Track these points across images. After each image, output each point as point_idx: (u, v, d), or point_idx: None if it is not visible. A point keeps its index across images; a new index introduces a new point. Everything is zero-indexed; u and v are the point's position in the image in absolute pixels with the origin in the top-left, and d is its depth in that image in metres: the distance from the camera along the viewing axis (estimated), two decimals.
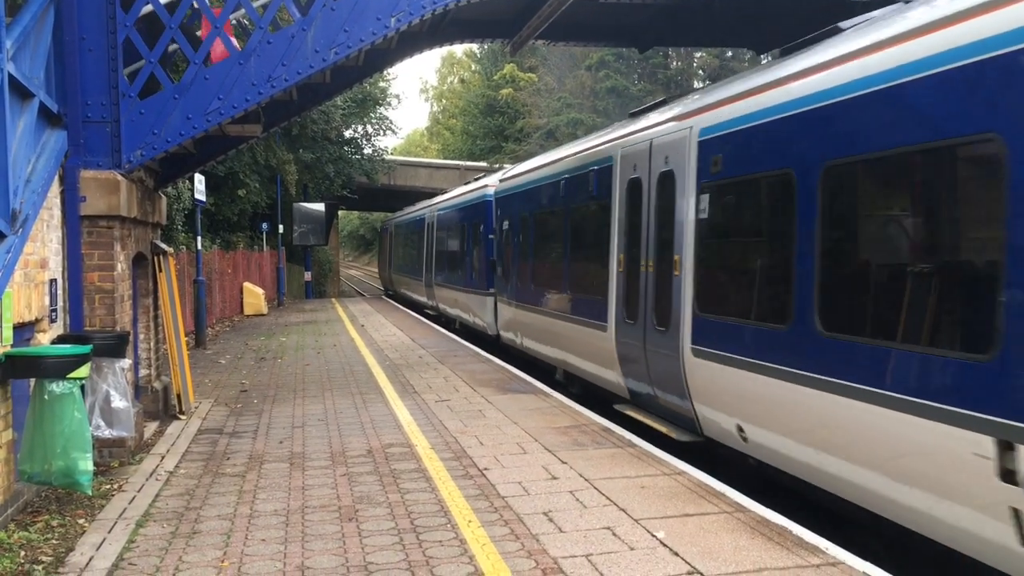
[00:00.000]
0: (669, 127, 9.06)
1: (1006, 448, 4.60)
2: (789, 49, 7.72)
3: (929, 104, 5.37)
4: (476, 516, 6.21)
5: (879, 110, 5.78)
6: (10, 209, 6.26)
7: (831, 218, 6.32)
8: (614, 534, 5.81)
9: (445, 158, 63.46)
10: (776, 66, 7.55)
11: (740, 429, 7.45)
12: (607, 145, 10.89)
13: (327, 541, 5.76)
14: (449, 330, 21.15)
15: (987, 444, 4.69)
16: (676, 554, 5.43)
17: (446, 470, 7.50)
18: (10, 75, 6.40)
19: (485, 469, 7.51)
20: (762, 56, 17.64)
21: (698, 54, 38.42)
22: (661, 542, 5.64)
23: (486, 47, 55.89)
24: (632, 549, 5.53)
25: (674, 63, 40.91)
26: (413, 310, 28.35)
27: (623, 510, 6.32)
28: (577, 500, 6.58)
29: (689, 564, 5.26)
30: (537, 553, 5.47)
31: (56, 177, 7.78)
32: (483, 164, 46.04)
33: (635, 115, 10.98)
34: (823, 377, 6.16)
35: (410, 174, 48.11)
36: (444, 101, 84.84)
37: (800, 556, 5.39)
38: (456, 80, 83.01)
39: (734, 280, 7.98)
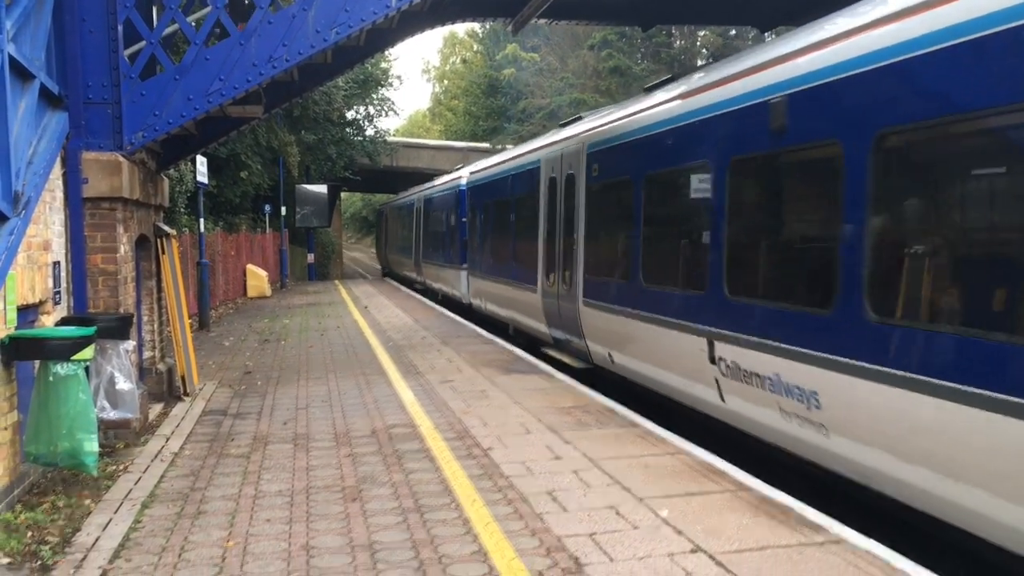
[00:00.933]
0: (572, 141, 12.23)
1: (711, 344, 7.86)
2: (651, 88, 10.57)
3: (722, 130, 7.86)
4: (480, 496, 6.23)
5: (677, 139, 8.83)
6: (12, 191, 6.25)
7: (649, 211, 9.66)
8: (618, 513, 5.83)
9: (447, 139, 63.30)
10: (636, 100, 10.69)
11: (610, 356, 10.69)
12: (537, 152, 14.21)
13: (331, 521, 5.78)
14: (434, 301, 23.89)
15: (703, 342, 7.96)
16: (680, 532, 5.45)
17: (449, 450, 7.52)
18: (10, 56, 6.37)
19: (489, 449, 7.53)
20: (766, 34, 17.52)
21: (702, 32, 38.20)
22: (665, 521, 5.66)
23: (488, 27, 55.63)
24: (636, 528, 5.55)
25: (678, 42, 40.71)
26: (405, 285, 30.95)
27: (627, 489, 6.34)
28: (580, 480, 6.60)
29: (693, 542, 5.28)
30: (541, 532, 5.49)
31: (58, 159, 7.77)
32: (486, 145, 45.93)
33: (563, 126, 14.05)
34: (647, 313, 9.41)
35: (412, 155, 48.02)
36: (446, 82, 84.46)
37: (803, 534, 5.40)
38: (458, 60, 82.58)
39: (604, 251, 11.11)
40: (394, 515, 5.87)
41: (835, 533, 5.42)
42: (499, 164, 17.66)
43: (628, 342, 10.10)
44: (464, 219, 20.96)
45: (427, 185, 29.77)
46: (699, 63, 40.66)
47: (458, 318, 18.94)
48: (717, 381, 7.85)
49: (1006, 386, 4.68)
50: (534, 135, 24.63)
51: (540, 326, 13.69)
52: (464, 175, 21.86)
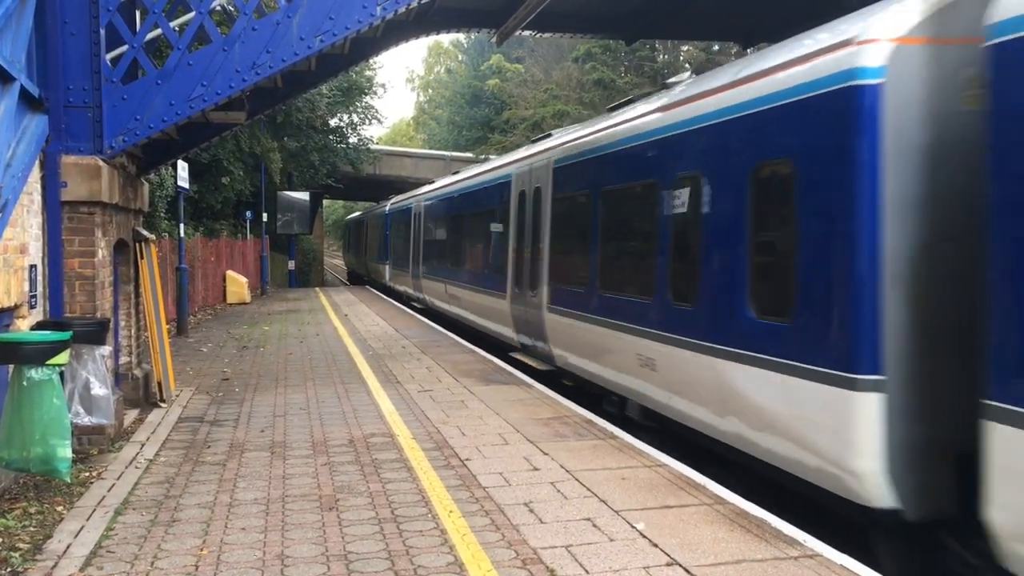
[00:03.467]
0: (540, 158, 12.92)
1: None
2: (613, 107, 11.23)
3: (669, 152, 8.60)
4: (457, 506, 6.22)
5: (622, 160, 9.74)
6: None
7: (607, 222, 10.27)
8: (594, 525, 5.83)
9: (431, 148, 63.29)
10: (598, 120, 11.51)
11: (571, 359, 11.26)
12: (507, 167, 14.96)
13: (307, 530, 5.75)
14: (400, 302, 26.70)
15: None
16: (655, 545, 5.46)
17: (427, 460, 7.50)
18: None
19: (467, 459, 7.52)
20: (748, 49, 17.65)
21: (685, 47, 38.43)
22: (641, 533, 5.67)
23: (473, 37, 55.72)
24: (612, 540, 5.55)
25: (661, 56, 40.92)
26: (374, 287, 34.02)
27: (604, 501, 6.34)
28: (558, 491, 6.60)
29: (668, 555, 5.29)
30: (517, 544, 5.49)
31: (37, 162, 7.71)
32: (469, 155, 45.96)
33: (534, 141, 14.85)
34: (599, 317, 10.06)
35: (395, 164, 48.02)
36: (430, 91, 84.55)
37: (778, 548, 5.42)
38: (443, 70, 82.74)
39: (565, 260, 11.74)
40: (370, 525, 5.85)
41: (810, 547, 5.44)
42: (457, 182, 19.82)
43: (586, 345, 10.66)
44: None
45: (393, 200, 33.03)
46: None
47: (438, 327, 18.93)
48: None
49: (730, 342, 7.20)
50: (517, 146, 24.84)
51: (506, 331, 14.44)
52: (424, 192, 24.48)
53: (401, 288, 28.22)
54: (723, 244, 7.47)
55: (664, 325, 8.40)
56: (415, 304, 25.13)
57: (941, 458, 5.52)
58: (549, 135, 14.17)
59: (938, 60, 5.67)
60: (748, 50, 17.27)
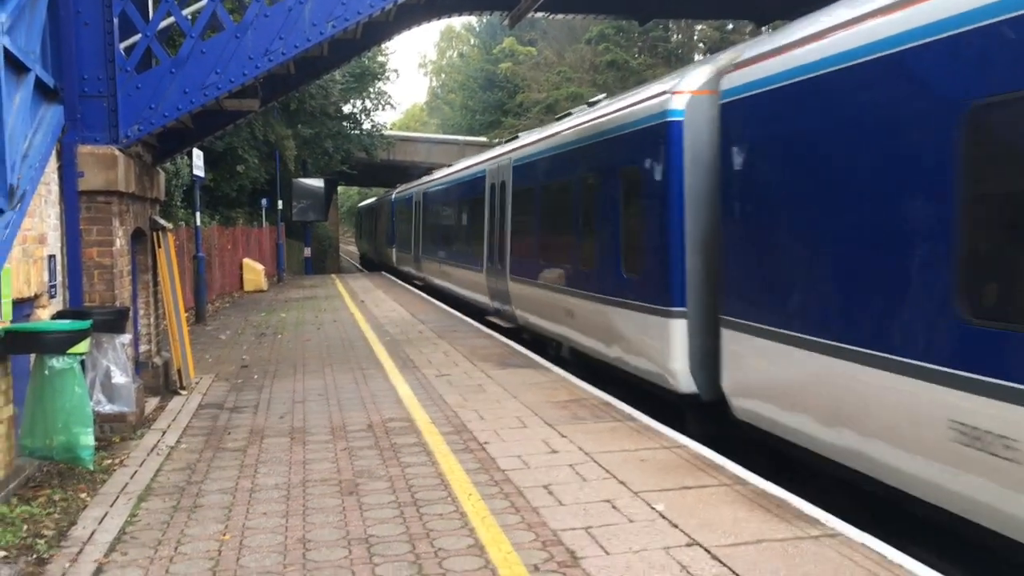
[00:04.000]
0: (504, 158, 15.98)
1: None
2: (559, 117, 14.64)
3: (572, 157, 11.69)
4: (476, 489, 6.24)
5: (551, 163, 12.73)
6: (7, 184, 6.23)
7: (544, 210, 13.28)
8: (614, 507, 5.84)
9: (444, 133, 63.21)
10: (543, 128, 14.92)
11: (527, 317, 14.24)
12: (483, 164, 18.17)
13: (328, 514, 5.78)
14: (405, 282, 29.91)
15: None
16: (675, 526, 5.46)
17: (446, 444, 7.53)
18: (5, 49, 6.35)
19: (485, 443, 7.53)
20: (763, 28, 17.49)
21: (699, 27, 38.10)
22: (660, 514, 5.67)
23: (485, 20, 55.53)
24: (631, 521, 5.55)
25: (675, 36, 40.61)
26: (389, 273, 36.18)
27: (622, 483, 6.34)
28: (577, 473, 6.60)
29: (688, 536, 5.29)
30: (537, 526, 5.50)
31: (53, 152, 7.75)
32: (482, 139, 45.85)
33: (504, 142, 18.35)
34: (541, 282, 13.12)
35: (409, 149, 47.97)
36: (443, 75, 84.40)
37: (799, 527, 5.41)
38: (455, 54, 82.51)
39: (521, 240, 14.47)
40: (391, 509, 5.88)
41: (830, 527, 5.43)
42: (447, 176, 23.55)
43: (535, 304, 13.68)
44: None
45: (396, 189, 37.52)
46: (696, 58, 40.59)
47: (455, 312, 18.95)
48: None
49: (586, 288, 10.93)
50: (531, 129, 24.96)
51: (484, 299, 17.60)
52: (422, 183, 27.98)
53: (405, 268, 32.18)
54: (606, 225, 10.52)
55: (578, 285, 11.45)
56: (416, 282, 28.97)
57: (717, 358, 8.03)
58: (516, 137, 17.66)
59: (714, 106, 8.21)
60: (763, 28, 17.12)
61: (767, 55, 7.28)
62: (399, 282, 29.99)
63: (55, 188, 7.86)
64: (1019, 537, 4.72)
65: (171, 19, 9.09)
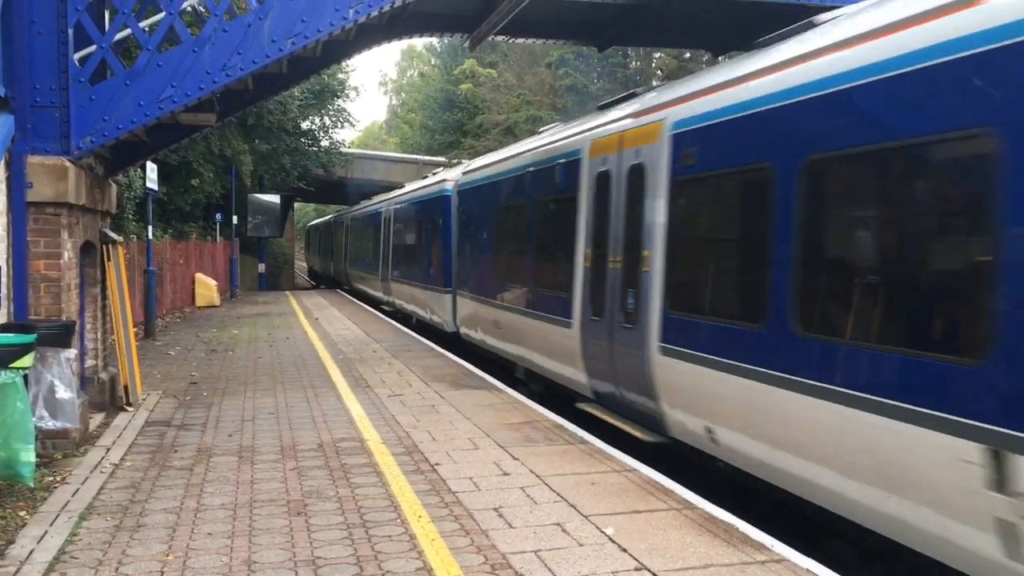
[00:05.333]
0: (448, 184, 18.47)
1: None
2: (396, 192, 25.91)
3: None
4: (426, 511, 6.21)
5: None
6: None
7: (398, 237, 23.58)
8: (563, 530, 5.84)
9: (403, 152, 63.13)
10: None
11: (397, 300, 22.92)
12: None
13: (275, 535, 5.71)
14: (346, 291, 34.72)
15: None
16: (624, 550, 5.48)
17: (397, 465, 7.48)
18: None
19: (436, 464, 7.50)
20: (720, 57, 17.80)
21: (657, 54, 38.68)
22: (610, 538, 5.69)
23: (446, 41, 55.67)
24: (581, 545, 5.56)
25: (633, 63, 41.16)
26: (328, 283, 41.62)
27: (573, 506, 6.35)
28: (528, 496, 6.60)
29: (637, 560, 5.31)
30: (486, 549, 5.48)
31: (2, 162, 7.61)
32: (441, 159, 45.89)
33: (454, 166, 23.71)
34: (404, 280, 22.18)
35: (367, 167, 47.80)
36: (403, 95, 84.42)
37: (746, 553, 5.46)
38: (416, 74, 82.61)
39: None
40: (339, 530, 5.82)
41: (777, 552, 5.49)
42: (403, 194, 24.82)
43: (401, 292, 20.57)
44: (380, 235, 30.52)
45: (345, 210, 41.48)
46: (654, 83, 41.09)
47: (409, 331, 18.89)
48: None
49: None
50: (490, 150, 25.24)
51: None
52: (384, 199, 29.22)
53: (337, 277, 39.56)
54: (422, 246, 20.21)
55: (412, 279, 20.75)
56: (344, 289, 35.38)
57: (463, 319, 15.48)
58: (461, 162, 23.97)
59: (458, 189, 16.91)
60: (720, 58, 17.42)
61: (470, 172, 16.37)
62: (354, 300, 29.80)
63: (2, 198, 7.71)
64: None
65: (128, 31, 8.99)
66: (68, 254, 8.45)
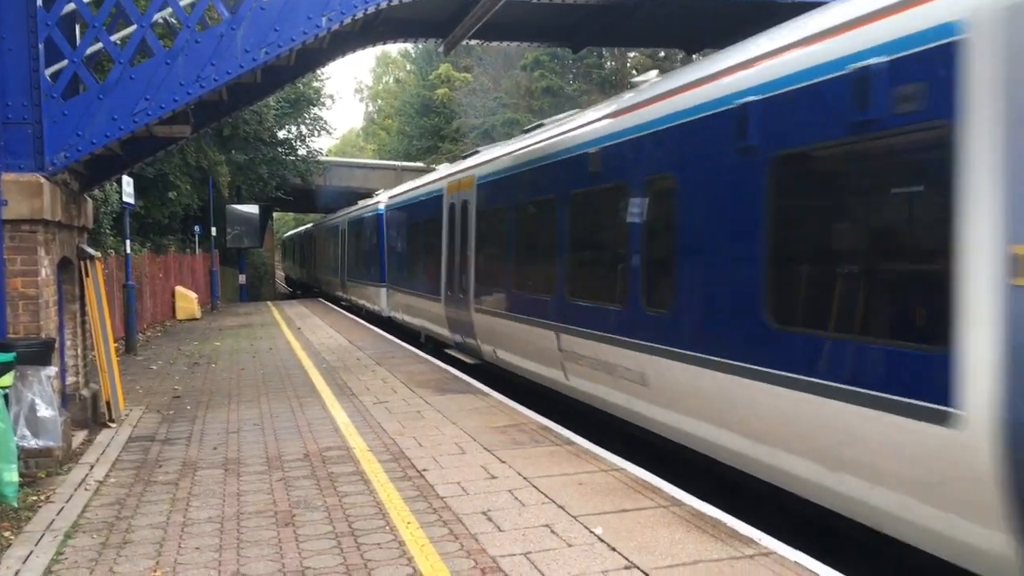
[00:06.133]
0: (381, 205, 24.21)
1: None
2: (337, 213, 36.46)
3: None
4: (415, 517, 6.20)
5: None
6: None
7: (351, 245, 30.11)
8: (552, 531, 5.85)
9: (381, 158, 63.02)
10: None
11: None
12: (373, 204, 26.20)
13: (263, 547, 5.69)
14: (316, 293, 40.98)
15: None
16: (614, 549, 5.49)
17: (384, 472, 7.47)
18: None
19: (424, 470, 7.49)
20: (693, 56, 17.88)
21: (632, 54, 38.78)
22: (599, 538, 5.70)
23: (420, 47, 55.63)
24: (570, 546, 5.57)
25: (608, 63, 41.27)
26: (301, 288, 47.79)
27: (561, 507, 6.36)
28: (516, 499, 6.61)
29: (626, 559, 5.32)
30: (476, 552, 5.48)
31: None
32: (419, 164, 45.84)
33: (373, 198, 28.45)
34: (356, 279, 28.87)
35: (345, 175, 47.67)
36: (379, 101, 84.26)
37: (734, 547, 5.49)
38: (391, 80, 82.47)
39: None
40: (327, 539, 5.80)
41: (764, 546, 5.52)
42: (346, 213, 32.36)
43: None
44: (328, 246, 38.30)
45: (308, 226, 50.57)
46: (630, 83, 41.19)
47: (393, 338, 18.85)
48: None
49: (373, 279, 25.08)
50: (467, 155, 25.60)
51: (373, 305, 25.11)
52: (341, 214, 35.30)
53: (309, 282, 46.36)
54: (363, 253, 27.08)
55: (356, 278, 28.46)
56: (314, 291, 42.96)
57: (392, 304, 22.37)
58: (435, 168, 25.86)
59: (386, 210, 23.86)
60: (693, 56, 17.51)
61: (394, 197, 22.72)
62: (336, 308, 29.74)
63: None
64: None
65: (99, 45, 8.94)
66: (45, 271, 8.38)
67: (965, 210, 4.55)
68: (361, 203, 29.99)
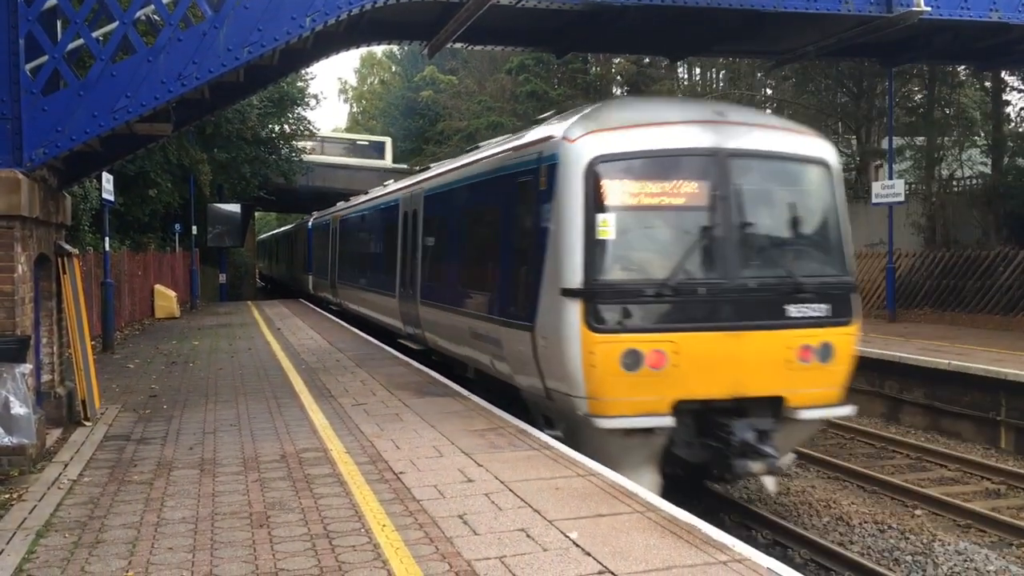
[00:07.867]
0: (335, 215, 28.47)
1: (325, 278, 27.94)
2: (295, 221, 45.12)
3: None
4: (390, 520, 6.19)
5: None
6: None
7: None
8: (528, 535, 5.86)
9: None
10: (351, 200, 28.01)
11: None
12: (332, 213, 29.74)
13: (237, 548, 5.66)
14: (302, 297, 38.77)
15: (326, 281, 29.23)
16: (588, 554, 5.51)
17: (361, 474, 7.45)
18: None
19: (401, 473, 7.49)
20: (677, 63, 17.98)
21: (616, 60, 38.90)
22: (574, 543, 5.72)
23: (406, 48, 55.57)
24: (545, 550, 5.58)
25: (593, 68, 41.38)
26: (274, 284, 51.74)
27: (537, 512, 6.38)
28: (492, 502, 6.61)
29: (601, 564, 5.34)
30: (451, 556, 5.49)
31: None
32: (403, 166, 45.78)
33: (343, 200, 30.63)
34: (315, 273, 33.62)
35: (329, 175, 47.46)
36: (364, 102, 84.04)
37: (708, 553, 5.52)
38: (376, 81, 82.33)
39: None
40: (302, 542, 5.79)
41: (738, 552, 5.55)
42: (318, 217, 35.14)
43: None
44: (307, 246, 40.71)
45: (288, 226, 53.33)
46: (613, 89, 41.41)
47: (373, 340, 18.80)
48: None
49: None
50: (452, 157, 25.77)
51: (330, 296, 28.55)
52: (310, 217, 38.41)
53: (278, 278, 51.75)
54: (300, 254, 38.67)
55: (305, 271, 36.83)
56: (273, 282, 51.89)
57: (316, 288, 32.95)
58: (349, 197, 29.83)
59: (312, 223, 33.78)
60: (677, 63, 17.59)
61: (341, 210, 27.81)
62: (317, 309, 29.65)
63: None
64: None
65: (80, 41, 8.89)
66: (22, 267, 8.32)
67: None
68: (316, 213, 35.92)
